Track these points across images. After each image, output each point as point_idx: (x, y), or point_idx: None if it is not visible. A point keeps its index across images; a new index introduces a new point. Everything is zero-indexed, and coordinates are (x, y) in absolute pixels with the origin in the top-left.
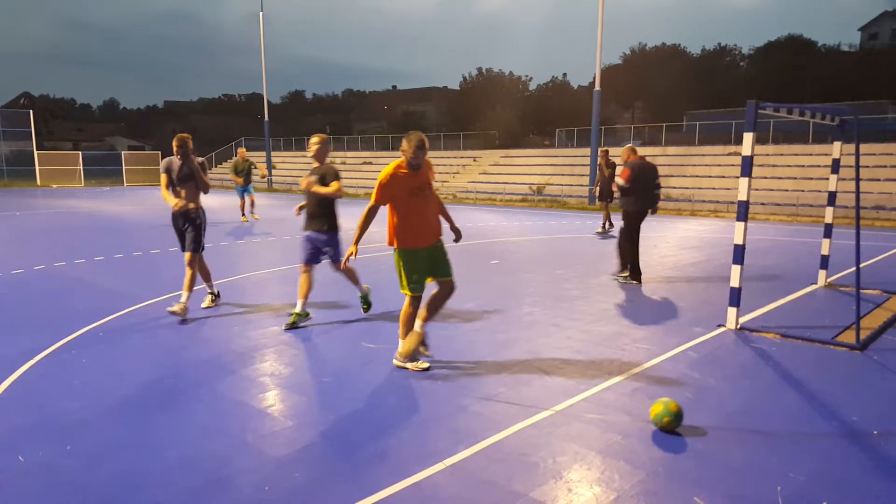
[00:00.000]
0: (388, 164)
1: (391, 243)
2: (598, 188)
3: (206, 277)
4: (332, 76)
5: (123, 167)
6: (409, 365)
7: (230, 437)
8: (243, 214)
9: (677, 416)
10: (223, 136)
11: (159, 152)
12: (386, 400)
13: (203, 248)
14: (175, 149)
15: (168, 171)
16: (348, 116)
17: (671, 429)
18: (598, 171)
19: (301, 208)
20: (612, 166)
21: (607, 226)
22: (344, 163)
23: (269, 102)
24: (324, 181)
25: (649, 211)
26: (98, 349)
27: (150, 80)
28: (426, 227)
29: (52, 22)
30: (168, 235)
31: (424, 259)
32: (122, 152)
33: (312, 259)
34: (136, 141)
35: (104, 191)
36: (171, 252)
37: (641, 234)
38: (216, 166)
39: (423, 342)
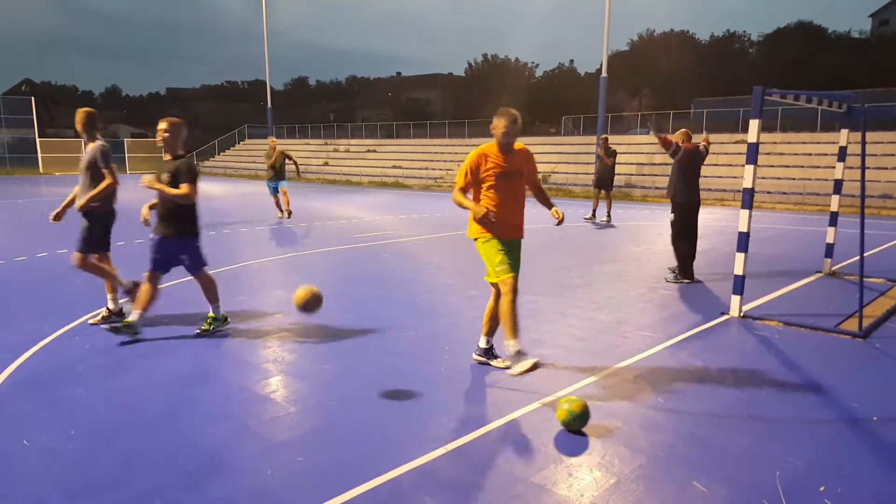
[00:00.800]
0: (391, 152)
1: (472, 233)
2: (596, 176)
3: (109, 287)
4: (335, 63)
5: (126, 155)
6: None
7: (233, 421)
8: (281, 211)
9: (578, 416)
10: (226, 124)
11: None
12: (388, 386)
13: (100, 250)
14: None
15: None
16: (352, 103)
17: (576, 428)
18: (597, 160)
19: (151, 207)
20: (613, 154)
21: (600, 214)
22: (348, 150)
23: (272, 89)
24: (175, 179)
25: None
26: (101, 335)
27: (153, 66)
28: (507, 221)
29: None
30: None
31: (506, 249)
32: (125, 140)
33: (160, 266)
34: (139, 128)
35: None
36: None
37: (648, 224)
38: (218, 154)
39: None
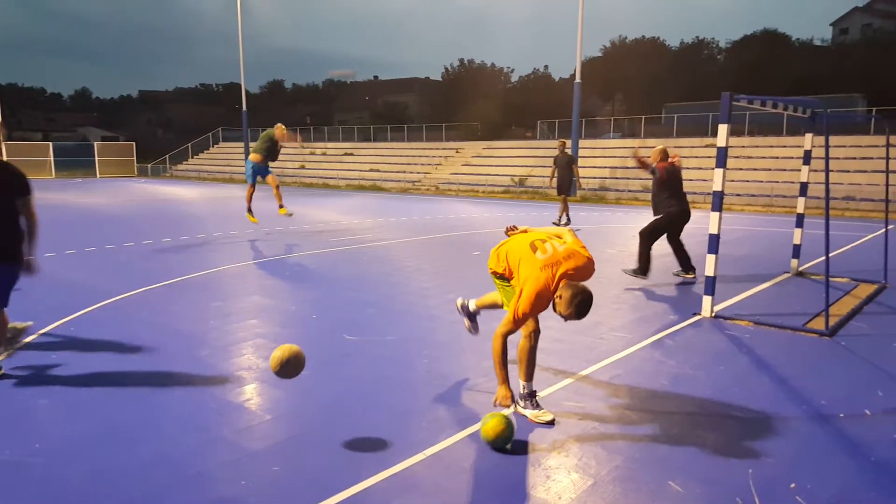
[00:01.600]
0: (368, 155)
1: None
2: (553, 180)
3: None
4: (312, 66)
5: (96, 158)
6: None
7: (206, 431)
8: (249, 210)
9: (499, 438)
10: (200, 127)
11: (134, 143)
12: (366, 392)
13: None
14: None
15: None
16: (329, 107)
17: (501, 446)
18: (553, 164)
19: None
20: (571, 160)
21: (564, 219)
22: (325, 154)
23: (247, 92)
24: None
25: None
26: (68, 344)
27: (124, 69)
28: None
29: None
30: (142, 228)
31: None
32: (95, 143)
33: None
34: (110, 131)
35: (76, 182)
36: (145, 245)
37: (622, 226)
38: (192, 157)
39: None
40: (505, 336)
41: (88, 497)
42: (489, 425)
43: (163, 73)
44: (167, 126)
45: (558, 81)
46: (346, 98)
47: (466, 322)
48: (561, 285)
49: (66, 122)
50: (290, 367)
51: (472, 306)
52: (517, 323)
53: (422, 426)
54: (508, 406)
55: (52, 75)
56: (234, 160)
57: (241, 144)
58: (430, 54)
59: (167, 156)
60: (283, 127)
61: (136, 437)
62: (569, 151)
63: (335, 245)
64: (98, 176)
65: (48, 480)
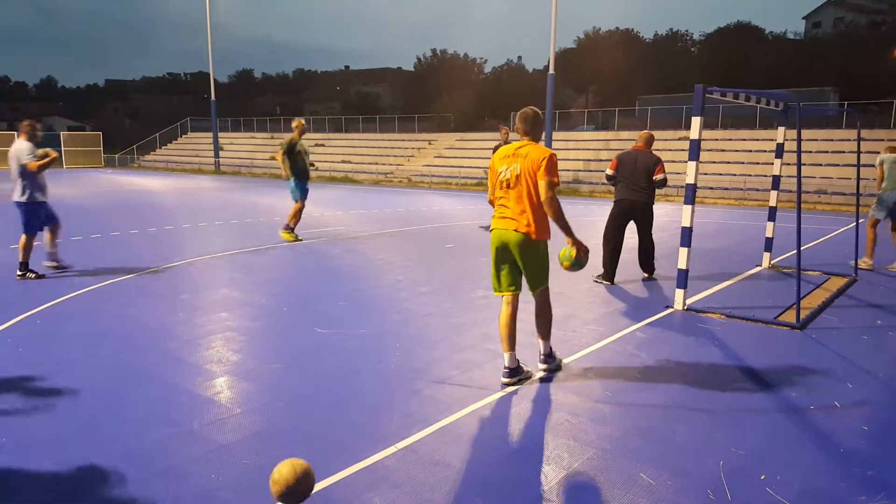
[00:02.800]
0: (341, 146)
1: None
2: None
3: None
4: (282, 55)
5: (63, 148)
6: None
7: (175, 425)
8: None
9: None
10: (168, 117)
11: (101, 133)
12: (337, 386)
13: None
14: None
15: None
16: (300, 97)
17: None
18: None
19: None
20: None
21: None
22: None
23: (215, 81)
24: None
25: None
26: (35, 338)
27: (90, 57)
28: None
29: None
30: (112, 218)
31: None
32: (61, 133)
33: None
34: (76, 121)
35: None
36: (112, 237)
37: (595, 219)
38: (160, 148)
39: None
40: (556, 197)
41: (56, 494)
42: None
43: (130, 62)
44: (134, 116)
45: (532, 73)
46: (316, 88)
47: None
48: None
49: (31, 112)
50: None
51: (512, 363)
52: (555, 180)
53: (394, 419)
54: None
55: (15, 64)
56: (202, 151)
57: (210, 135)
58: (401, 44)
59: (135, 146)
60: (301, 121)
61: (103, 432)
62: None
63: (306, 237)
64: (64, 167)
65: (13, 477)
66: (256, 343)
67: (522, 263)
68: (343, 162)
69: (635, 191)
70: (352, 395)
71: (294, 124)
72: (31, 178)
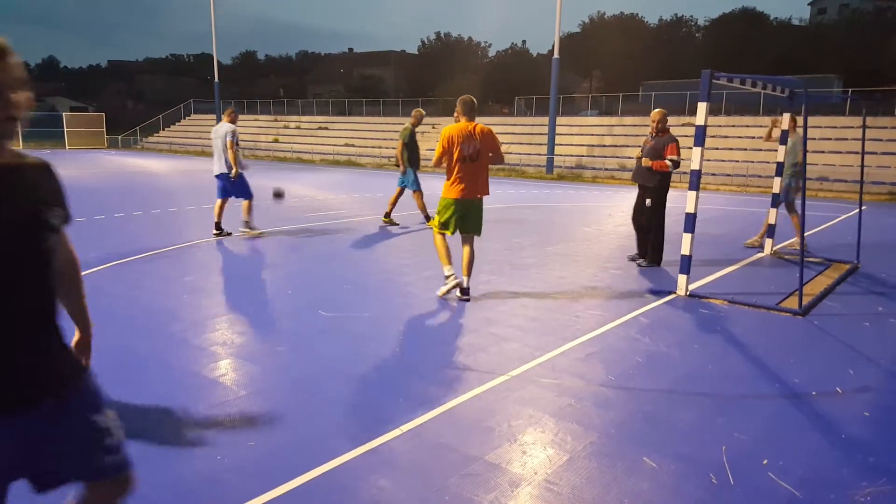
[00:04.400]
0: (346, 129)
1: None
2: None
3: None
4: (285, 37)
5: (65, 129)
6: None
7: (181, 407)
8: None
9: None
10: (171, 98)
11: (104, 114)
12: (342, 369)
13: None
14: None
15: None
16: (303, 79)
17: None
18: (399, 139)
19: None
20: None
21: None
22: (299, 127)
23: (219, 63)
24: None
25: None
26: None
27: (93, 38)
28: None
29: None
30: (115, 200)
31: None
32: (64, 113)
33: None
34: (79, 102)
35: (45, 154)
36: (116, 218)
37: (598, 204)
38: (163, 129)
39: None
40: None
41: None
42: None
43: (133, 43)
44: (138, 97)
45: (536, 57)
46: (320, 70)
47: (458, 294)
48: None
49: (34, 92)
50: None
51: (450, 276)
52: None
53: (398, 402)
54: None
55: (16, 43)
56: (205, 133)
57: (213, 117)
58: (406, 27)
59: (138, 127)
60: (420, 111)
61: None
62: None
63: (310, 221)
64: (67, 147)
65: None
66: (261, 325)
67: (475, 218)
68: (346, 145)
69: (641, 174)
70: (356, 377)
71: (413, 113)
72: (233, 158)
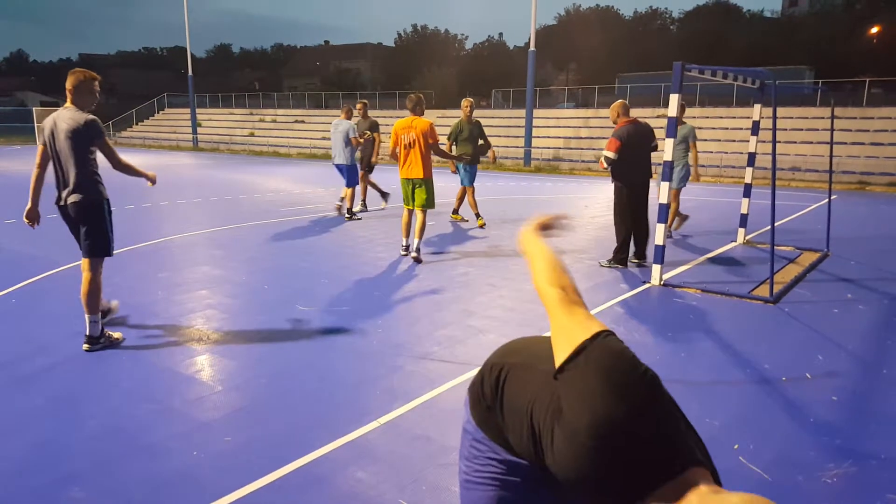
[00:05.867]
0: (322, 122)
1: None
2: (360, 155)
3: None
4: (261, 30)
5: (35, 124)
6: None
7: (156, 402)
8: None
9: None
10: (144, 92)
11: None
12: (319, 362)
13: None
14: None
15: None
16: (278, 72)
17: None
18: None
19: None
20: (374, 126)
21: (358, 205)
22: (275, 120)
23: (193, 56)
24: None
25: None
26: (11, 317)
27: (63, 31)
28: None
29: None
30: None
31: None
32: (34, 108)
33: None
34: (49, 96)
35: (14, 150)
36: None
37: (575, 196)
38: (136, 124)
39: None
40: (436, 145)
41: (31, 469)
42: None
43: (104, 36)
44: (110, 91)
45: (512, 49)
46: (295, 63)
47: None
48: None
49: (2, 87)
50: None
51: (416, 244)
52: (432, 140)
53: (375, 395)
54: None
55: None
56: (180, 127)
57: (187, 111)
58: (382, 19)
59: (110, 122)
60: (470, 100)
61: (83, 410)
62: (372, 116)
63: (286, 215)
64: (38, 143)
65: None
66: (237, 320)
67: (417, 192)
68: (323, 139)
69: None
70: (333, 371)
71: (464, 104)
72: (352, 148)
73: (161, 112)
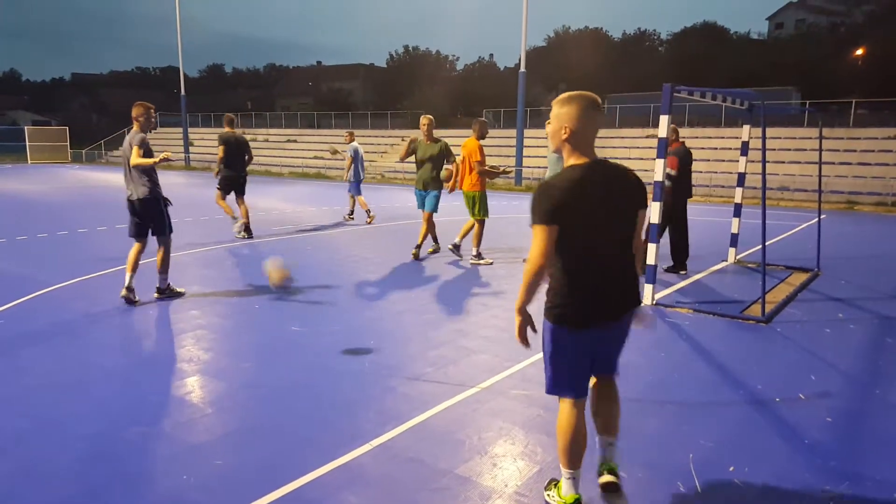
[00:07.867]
0: (314, 142)
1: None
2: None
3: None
4: (253, 50)
5: (27, 143)
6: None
7: (146, 426)
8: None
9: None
10: None
11: (66, 127)
12: (311, 383)
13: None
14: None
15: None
16: (270, 92)
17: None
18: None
19: None
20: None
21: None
22: (267, 140)
23: (185, 76)
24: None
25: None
26: None
27: (56, 50)
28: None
29: None
30: (79, 215)
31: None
32: (26, 127)
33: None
34: (41, 115)
35: (6, 169)
36: (79, 233)
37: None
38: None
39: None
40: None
41: (14, 496)
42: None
43: (97, 56)
44: (102, 111)
45: (503, 70)
46: (288, 83)
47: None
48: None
49: None
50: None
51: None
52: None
53: (368, 417)
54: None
55: None
56: (172, 146)
57: (180, 130)
58: (374, 40)
59: (102, 141)
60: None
61: (71, 433)
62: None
63: (278, 234)
64: (29, 162)
65: None
66: (228, 341)
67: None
68: (315, 158)
69: None
70: (325, 392)
71: (422, 121)
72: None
73: (153, 131)
